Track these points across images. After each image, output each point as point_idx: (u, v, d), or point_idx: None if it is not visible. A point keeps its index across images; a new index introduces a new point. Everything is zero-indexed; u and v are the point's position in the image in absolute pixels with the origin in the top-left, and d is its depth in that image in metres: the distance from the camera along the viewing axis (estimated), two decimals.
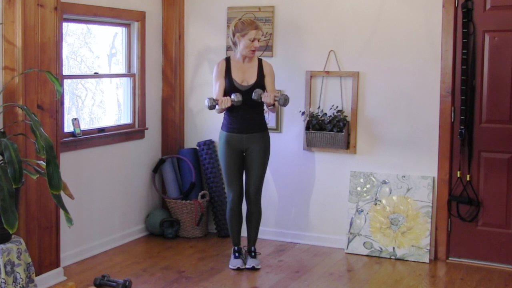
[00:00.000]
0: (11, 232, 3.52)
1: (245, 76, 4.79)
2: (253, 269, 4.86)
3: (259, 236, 5.09)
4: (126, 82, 5.57)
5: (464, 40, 4.88)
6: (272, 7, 5.49)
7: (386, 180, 5.21)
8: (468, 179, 4.98)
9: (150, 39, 5.64)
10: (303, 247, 5.42)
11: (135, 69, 5.55)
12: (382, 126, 5.22)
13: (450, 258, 5.09)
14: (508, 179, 4.89)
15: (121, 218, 5.45)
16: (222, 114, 4.91)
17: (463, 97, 4.91)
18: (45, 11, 4.25)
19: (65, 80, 4.90)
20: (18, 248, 3.79)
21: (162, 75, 5.82)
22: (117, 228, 5.41)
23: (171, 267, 4.89)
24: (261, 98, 4.68)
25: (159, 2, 5.75)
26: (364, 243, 5.21)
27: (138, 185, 5.65)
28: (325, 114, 5.28)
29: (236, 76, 4.78)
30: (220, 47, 5.65)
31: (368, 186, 5.26)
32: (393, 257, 5.12)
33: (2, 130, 3.94)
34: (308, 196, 5.49)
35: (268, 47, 5.49)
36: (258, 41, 4.76)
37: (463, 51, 4.89)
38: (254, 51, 4.76)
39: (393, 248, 5.13)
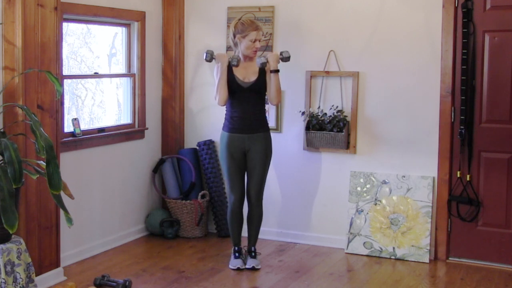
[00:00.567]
0: (11, 232, 3.52)
1: (247, 73, 4.81)
2: (253, 269, 4.86)
3: (259, 236, 5.09)
4: (126, 82, 5.57)
5: (464, 40, 4.88)
6: (272, 7, 5.49)
7: (386, 180, 5.21)
8: (468, 179, 4.98)
9: (150, 39, 5.64)
10: (303, 247, 5.42)
11: (135, 69, 5.55)
12: (382, 126, 5.22)
13: (450, 258, 5.09)
14: (508, 179, 4.89)
15: (121, 218, 5.45)
16: (223, 115, 4.92)
17: (463, 97, 4.91)
18: (45, 11, 4.25)
19: (65, 80, 4.90)
20: (18, 248, 3.79)
21: (162, 75, 5.82)
22: (117, 228, 5.41)
23: (171, 267, 4.89)
24: (266, 63, 4.74)
25: (159, 2, 5.75)
26: (364, 243, 5.22)
27: (138, 185, 5.65)
28: (325, 114, 5.28)
29: (238, 73, 4.80)
30: (220, 47, 5.65)
31: (368, 186, 5.26)
32: (393, 257, 5.12)
33: (2, 130, 3.94)
34: (308, 196, 5.49)
35: (268, 47, 5.49)
36: (259, 41, 4.78)
37: (463, 51, 4.89)
38: (255, 51, 4.79)
39: (393, 248, 5.13)
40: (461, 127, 4.92)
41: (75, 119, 4.94)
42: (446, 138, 5.03)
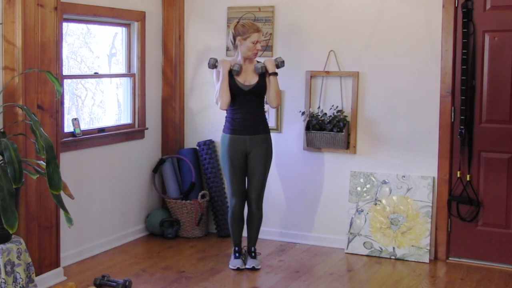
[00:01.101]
0: (11, 232, 3.52)
1: (247, 76, 4.80)
2: (253, 269, 4.86)
3: (259, 236, 5.09)
4: (126, 82, 5.57)
5: (464, 40, 4.88)
6: (272, 7, 5.49)
7: (386, 180, 5.21)
8: (468, 179, 4.98)
9: (150, 39, 5.64)
10: (303, 247, 5.42)
11: (135, 69, 5.55)
12: (382, 126, 5.22)
13: (450, 258, 5.09)
14: (508, 179, 4.89)
15: (121, 218, 5.45)
16: (223, 115, 4.92)
17: (463, 97, 4.91)
18: (45, 11, 4.25)
19: (65, 80, 4.90)
20: (18, 248, 3.79)
21: (162, 75, 5.82)
22: (117, 228, 5.41)
23: (171, 267, 4.89)
24: (265, 67, 4.77)
25: (159, 2, 5.75)
26: (364, 243, 5.21)
27: (138, 185, 5.65)
28: (325, 114, 5.28)
29: (239, 76, 4.79)
30: (220, 47, 5.65)
31: (368, 186, 5.26)
32: (393, 257, 5.12)
33: (2, 130, 3.94)
34: (308, 196, 5.49)
35: (268, 47, 5.49)
36: (260, 43, 4.79)
37: (463, 51, 4.89)
38: (256, 53, 4.80)
39: (393, 248, 5.13)
40: (461, 127, 4.92)
41: (75, 119, 4.94)
42: (446, 138, 5.03)
